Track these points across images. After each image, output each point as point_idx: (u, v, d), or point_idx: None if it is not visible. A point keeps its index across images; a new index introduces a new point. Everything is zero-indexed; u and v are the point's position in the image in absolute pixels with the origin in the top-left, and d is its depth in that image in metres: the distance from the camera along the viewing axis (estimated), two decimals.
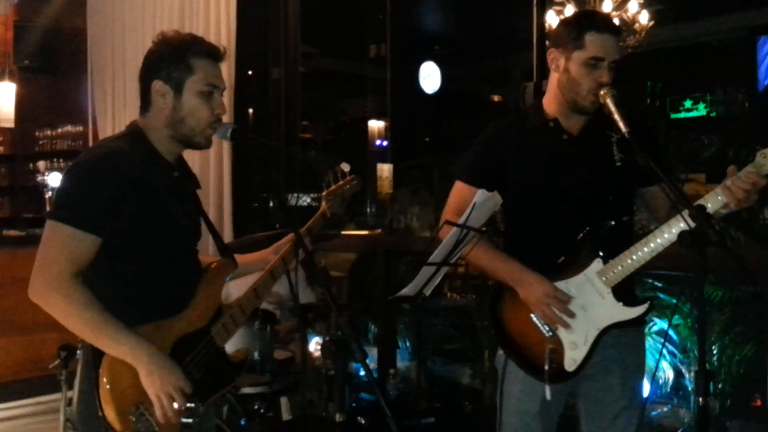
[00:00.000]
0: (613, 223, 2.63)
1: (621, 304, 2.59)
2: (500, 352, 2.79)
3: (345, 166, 2.99)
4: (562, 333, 2.62)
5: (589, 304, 2.60)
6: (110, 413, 2.18)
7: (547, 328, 2.64)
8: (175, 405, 2.23)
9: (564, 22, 2.77)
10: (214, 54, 2.43)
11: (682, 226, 2.32)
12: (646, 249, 2.51)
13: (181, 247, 2.47)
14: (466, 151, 2.94)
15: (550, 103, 2.77)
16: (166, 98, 2.38)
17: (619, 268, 2.56)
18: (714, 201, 2.43)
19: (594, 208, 2.67)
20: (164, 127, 2.41)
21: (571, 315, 2.60)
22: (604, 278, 2.59)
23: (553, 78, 2.74)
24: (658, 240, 2.48)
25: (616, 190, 2.70)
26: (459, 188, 2.83)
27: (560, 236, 2.67)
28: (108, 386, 2.19)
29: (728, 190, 2.40)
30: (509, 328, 2.72)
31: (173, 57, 2.38)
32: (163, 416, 2.22)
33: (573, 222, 2.65)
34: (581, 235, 2.63)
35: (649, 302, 2.61)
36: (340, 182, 2.98)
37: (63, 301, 2.18)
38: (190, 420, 2.29)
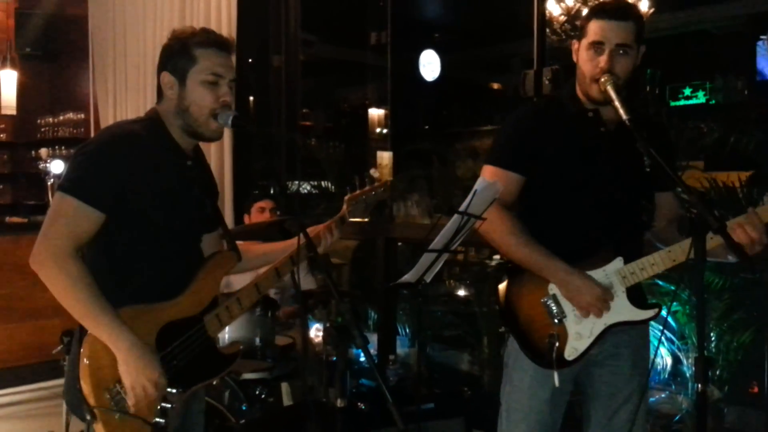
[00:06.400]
0: (638, 222, 2.68)
1: (632, 305, 2.61)
2: (510, 340, 2.78)
3: (374, 173, 2.98)
4: (569, 322, 2.64)
5: None
6: (86, 387, 2.24)
7: (556, 315, 2.65)
8: (149, 396, 2.28)
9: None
10: (219, 43, 2.45)
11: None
12: (668, 259, 2.52)
13: (185, 234, 2.49)
14: (496, 136, 2.87)
15: (581, 93, 2.72)
16: (173, 89, 2.44)
17: (639, 270, 2.58)
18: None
19: (620, 207, 2.66)
20: (174, 118, 2.45)
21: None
22: (622, 278, 2.61)
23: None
24: (686, 252, 2.42)
25: (644, 193, 2.71)
26: (492, 173, 2.73)
27: (580, 227, 2.68)
28: (87, 361, 2.26)
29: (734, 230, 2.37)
30: (517, 313, 2.72)
31: (177, 48, 2.43)
32: (135, 405, 2.28)
33: (595, 215, 2.66)
34: (604, 234, 2.63)
35: (659, 308, 2.64)
36: (366, 188, 2.95)
37: (58, 273, 2.24)
38: (168, 405, 2.33)
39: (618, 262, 2.61)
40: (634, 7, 2.87)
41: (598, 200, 2.66)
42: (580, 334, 2.63)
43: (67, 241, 2.25)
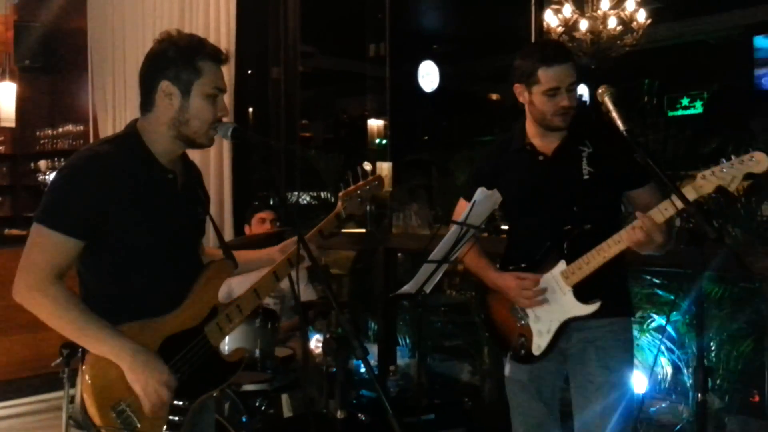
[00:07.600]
0: (568, 228, 2.88)
1: (577, 301, 2.89)
2: None
3: (366, 166, 2.96)
4: (531, 322, 2.98)
5: (553, 300, 2.93)
6: (91, 408, 2.23)
7: (520, 317, 3.00)
8: (162, 399, 2.27)
9: (520, 58, 2.99)
10: (219, 57, 2.45)
11: (625, 236, 2.69)
12: (598, 256, 2.80)
13: (173, 248, 2.47)
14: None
15: (529, 126, 3.04)
16: (172, 99, 2.39)
17: (578, 269, 2.86)
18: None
19: (561, 219, 2.92)
20: (166, 128, 2.42)
21: (544, 300, 2.94)
22: (566, 278, 2.89)
23: (525, 107, 3.00)
24: (611, 248, 2.76)
25: (582, 202, 2.92)
26: (462, 206, 3.07)
27: (536, 242, 2.97)
28: (89, 381, 2.24)
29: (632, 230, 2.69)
30: (494, 318, 3.15)
31: (181, 58, 2.39)
32: (151, 410, 2.27)
33: (545, 230, 2.95)
34: (549, 242, 2.92)
35: (599, 302, 2.85)
36: (360, 182, 2.94)
37: (45, 303, 2.25)
38: (176, 418, 2.33)
39: (561, 265, 2.90)
40: (566, 46, 3.21)
41: (544, 217, 2.98)
42: (540, 331, 2.96)
43: (46, 270, 2.25)
